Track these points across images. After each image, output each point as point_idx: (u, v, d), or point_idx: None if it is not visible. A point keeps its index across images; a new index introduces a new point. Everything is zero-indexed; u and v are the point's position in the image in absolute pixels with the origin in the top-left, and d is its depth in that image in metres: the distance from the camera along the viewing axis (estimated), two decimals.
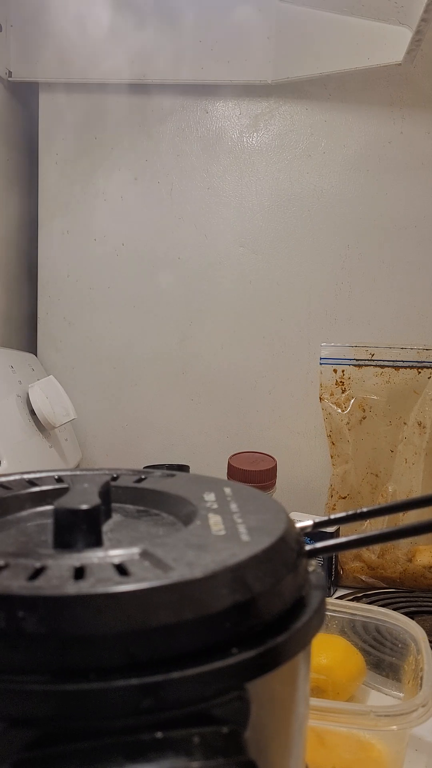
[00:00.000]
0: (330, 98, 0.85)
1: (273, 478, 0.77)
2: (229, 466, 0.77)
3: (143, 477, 0.31)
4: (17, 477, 0.31)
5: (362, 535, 0.28)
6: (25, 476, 0.31)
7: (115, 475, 0.31)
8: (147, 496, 0.29)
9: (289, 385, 0.89)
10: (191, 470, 0.84)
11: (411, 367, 0.81)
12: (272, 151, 0.87)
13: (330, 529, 0.69)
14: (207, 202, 0.88)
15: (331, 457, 0.83)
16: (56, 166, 0.90)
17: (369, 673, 0.55)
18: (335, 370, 0.82)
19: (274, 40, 0.82)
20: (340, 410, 0.82)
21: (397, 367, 0.81)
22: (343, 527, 0.72)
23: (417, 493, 0.79)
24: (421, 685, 0.44)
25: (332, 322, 0.88)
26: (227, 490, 0.29)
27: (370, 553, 0.76)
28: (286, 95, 0.86)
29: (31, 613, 0.19)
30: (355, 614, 0.55)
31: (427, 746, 0.49)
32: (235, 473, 0.76)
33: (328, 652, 0.52)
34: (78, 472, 0.31)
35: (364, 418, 0.81)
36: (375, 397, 0.81)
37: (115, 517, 0.28)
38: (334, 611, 0.56)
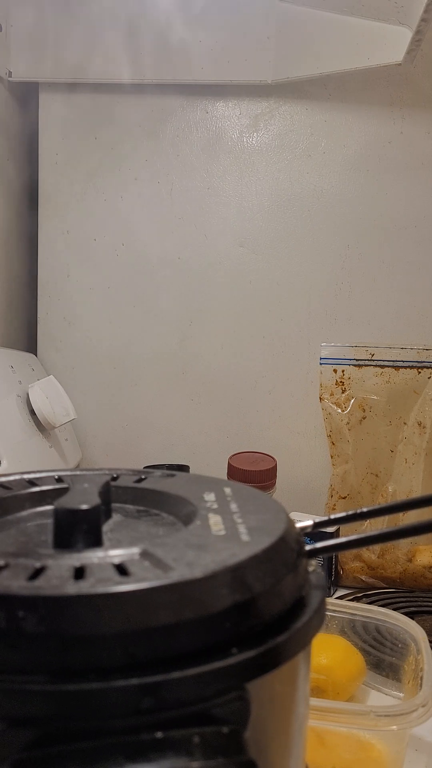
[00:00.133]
0: (330, 98, 0.85)
1: (273, 478, 0.77)
2: (229, 466, 0.77)
3: (143, 477, 0.31)
4: (17, 477, 0.31)
5: (362, 535, 0.28)
6: (25, 476, 0.31)
7: (115, 475, 0.31)
8: (147, 496, 0.29)
9: (289, 385, 0.89)
10: (191, 470, 0.84)
11: (411, 367, 0.81)
12: (272, 151, 0.87)
13: (330, 529, 0.69)
14: (207, 202, 0.88)
15: (331, 457, 0.83)
16: (56, 166, 0.90)
17: (369, 673, 0.55)
18: (335, 370, 0.82)
19: (274, 40, 0.82)
20: (340, 410, 0.82)
21: (397, 367, 0.81)
22: (343, 527, 0.72)
23: (417, 493, 0.79)
24: (421, 685, 0.44)
25: (332, 322, 0.88)
26: (227, 490, 0.29)
27: (370, 553, 0.76)
28: (286, 95, 0.86)
29: (31, 613, 0.19)
30: (355, 614, 0.55)
31: (427, 746, 0.49)
32: (235, 473, 0.76)
33: (328, 652, 0.52)
34: (78, 472, 0.31)
35: (364, 418, 0.81)
36: (375, 397, 0.81)
37: (115, 517, 0.28)
38: (334, 611, 0.55)
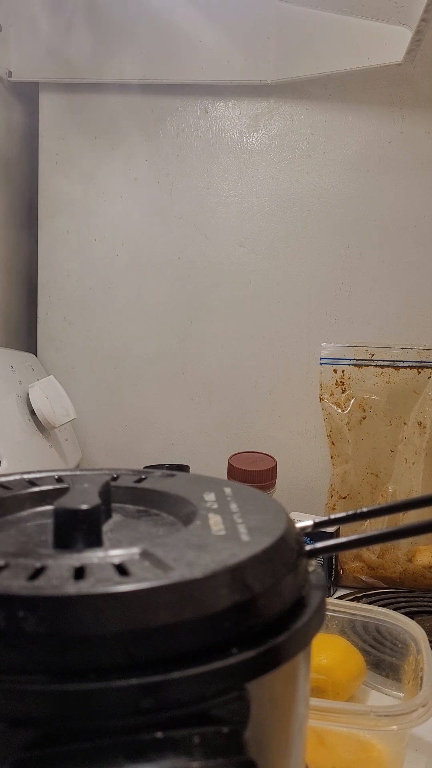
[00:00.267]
0: (330, 98, 0.85)
1: (273, 478, 0.77)
2: (229, 466, 0.77)
3: (143, 477, 0.31)
4: (17, 477, 0.31)
5: (362, 535, 0.28)
6: (25, 476, 0.31)
7: (115, 475, 0.31)
8: (147, 496, 0.29)
9: (289, 385, 0.89)
10: (191, 470, 0.84)
11: (411, 367, 0.81)
12: (272, 151, 0.87)
13: (330, 529, 0.69)
14: (207, 202, 0.88)
15: (331, 457, 0.83)
16: (56, 166, 0.90)
17: (369, 673, 0.55)
18: (335, 370, 0.82)
19: (274, 40, 0.82)
20: (340, 410, 0.82)
21: (397, 367, 0.81)
22: (343, 527, 0.72)
23: (417, 493, 0.79)
24: (421, 685, 0.44)
25: (332, 322, 0.88)
26: (227, 490, 0.29)
27: (370, 553, 0.76)
28: (286, 95, 0.86)
29: (31, 613, 0.19)
30: (355, 614, 0.55)
31: (427, 746, 0.49)
32: (235, 473, 0.76)
33: (328, 652, 0.52)
34: (78, 472, 0.31)
35: (364, 418, 0.81)
36: (375, 397, 0.81)
37: (115, 517, 0.28)
38: (334, 611, 0.55)
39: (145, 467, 0.61)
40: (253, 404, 0.90)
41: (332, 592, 0.75)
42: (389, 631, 0.53)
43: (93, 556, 0.22)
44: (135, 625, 0.19)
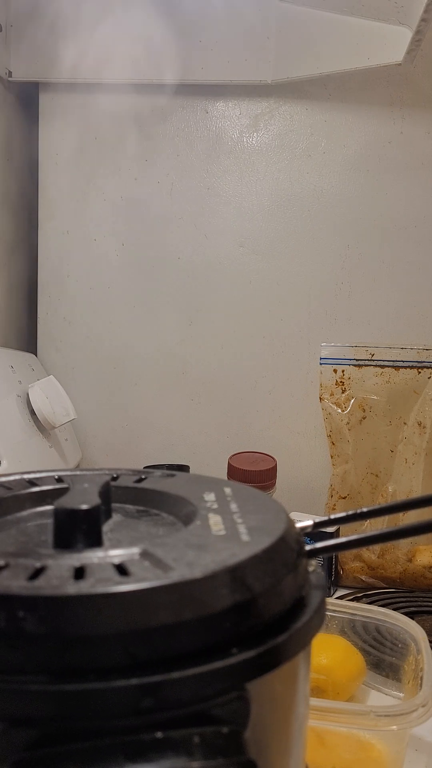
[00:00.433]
0: (330, 98, 0.85)
1: (273, 478, 0.77)
2: (229, 466, 0.77)
3: (143, 477, 0.31)
4: (17, 477, 0.31)
5: (362, 535, 0.28)
6: (25, 476, 0.31)
7: (115, 475, 0.31)
8: (147, 496, 0.29)
9: (289, 385, 0.89)
10: (191, 470, 0.84)
11: (411, 367, 0.81)
12: (272, 151, 0.87)
13: (330, 529, 0.69)
14: (207, 202, 0.88)
15: (331, 457, 0.83)
16: (56, 166, 0.90)
17: (369, 673, 0.55)
18: (335, 370, 0.82)
19: (274, 40, 0.82)
20: (340, 410, 0.82)
21: (397, 367, 0.81)
22: (343, 527, 0.72)
23: (417, 493, 0.79)
24: (421, 685, 0.44)
25: (332, 322, 0.88)
26: (227, 490, 0.29)
27: (370, 553, 0.76)
28: (286, 95, 0.86)
29: (31, 613, 0.19)
30: (355, 614, 0.55)
31: (427, 746, 0.49)
32: (235, 473, 0.76)
33: (328, 652, 0.52)
34: (78, 472, 0.31)
35: (364, 418, 0.81)
36: (375, 397, 0.81)
37: (115, 517, 0.28)
38: (334, 611, 0.55)
39: (145, 467, 0.61)
40: (253, 404, 0.90)
41: (332, 592, 0.75)
42: (389, 631, 0.53)
43: (93, 556, 0.22)
44: (135, 625, 0.19)
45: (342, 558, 0.77)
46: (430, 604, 0.70)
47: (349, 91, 0.85)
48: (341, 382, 0.82)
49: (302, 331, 0.88)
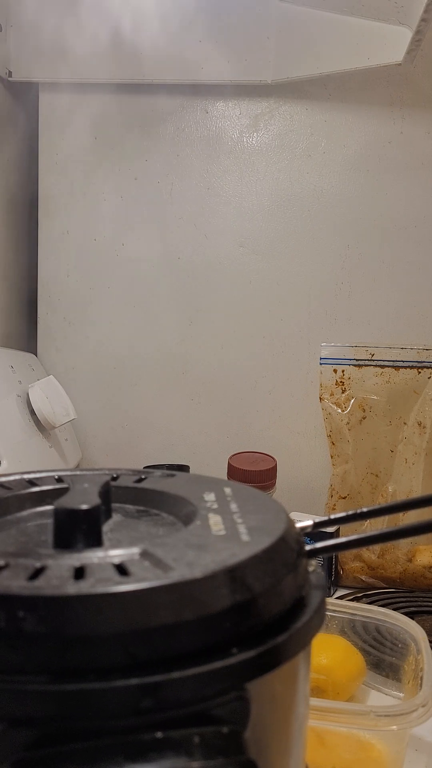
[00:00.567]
0: (330, 98, 0.85)
1: (273, 478, 0.77)
2: (229, 466, 0.77)
3: (143, 477, 0.31)
4: (17, 477, 0.31)
5: (362, 535, 0.28)
6: (25, 476, 0.31)
7: (115, 475, 0.31)
8: (147, 496, 0.29)
9: (289, 385, 0.89)
10: (191, 470, 0.84)
11: (411, 367, 0.81)
12: (272, 151, 0.87)
13: (330, 529, 0.69)
14: (207, 202, 0.88)
15: (331, 457, 0.83)
16: (56, 166, 0.90)
17: (369, 673, 0.55)
18: (335, 370, 0.82)
19: (274, 40, 0.82)
20: (340, 410, 0.82)
21: (397, 367, 0.81)
22: (343, 527, 0.72)
23: (417, 493, 0.79)
24: (421, 685, 0.44)
25: (332, 322, 0.88)
26: (227, 490, 0.29)
27: (370, 553, 0.76)
28: (286, 95, 0.86)
29: (31, 613, 0.19)
30: (355, 614, 0.55)
31: (427, 746, 0.49)
32: (235, 473, 0.76)
33: (328, 652, 0.52)
34: (78, 472, 0.31)
35: (364, 418, 0.81)
36: (375, 397, 0.81)
37: (115, 517, 0.28)
38: (334, 611, 0.55)
39: (145, 467, 0.61)
40: (253, 404, 0.90)
41: (332, 592, 0.75)
42: (389, 631, 0.53)
43: (93, 556, 0.22)
44: (135, 625, 0.19)
45: (342, 558, 0.77)
46: (430, 604, 0.70)
47: (349, 91, 0.85)
48: (341, 382, 0.82)
49: (302, 331, 0.88)
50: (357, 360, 0.82)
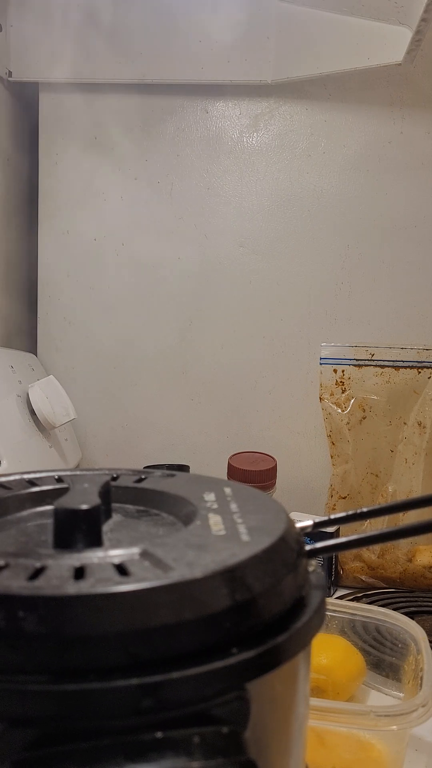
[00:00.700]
0: (330, 98, 0.85)
1: (273, 478, 0.77)
2: (229, 466, 0.77)
3: (143, 477, 0.31)
4: (17, 477, 0.31)
5: (362, 535, 0.28)
6: (25, 476, 0.31)
7: (115, 475, 0.31)
8: (147, 496, 0.29)
9: (289, 385, 0.89)
10: (191, 470, 0.84)
11: (411, 367, 0.81)
12: (272, 151, 0.87)
13: (330, 529, 0.69)
14: (207, 202, 0.88)
15: (331, 457, 0.83)
16: (56, 166, 0.90)
17: (369, 673, 0.55)
18: (335, 370, 0.82)
19: (274, 40, 0.82)
20: (340, 410, 0.82)
21: (397, 367, 0.81)
22: (343, 527, 0.72)
23: (417, 493, 0.79)
24: (421, 685, 0.44)
25: (332, 322, 0.88)
26: (227, 490, 0.29)
27: (370, 553, 0.76)
28: (286, 95, 0.86)
29: (31, 613, 0.19)
30: (355, 614, 0.55)
31: (427, 746, 0.49)
32: (235, 473, 0.76)
33: (328, 652, 0.52)
34: (78, 472, 0.31)
35: (364, 418, 0.81)
36: (375, 397, 0.81)
37: (115, 517, 0.28)
38: (334, 611, 0.55)
39: (145, 467, 0.61)
40: (253, 404, 0.90)
41: (332, 592, 0.75)
42: (389, 631, 0.53)
43: (93, 556, 0.22)
44: (135, 625, 0.19)
45: (342, 558, 0.77)
46: (430, 604, 0.70)
47: (349, 91, 0.85)
48: (341, 382, 0.82)
49: (302, 331, 0.88)
50: (357, 360, 0.82)
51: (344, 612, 0.55)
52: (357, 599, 0.71)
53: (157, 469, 0.33)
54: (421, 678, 0.45)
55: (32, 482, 0.30)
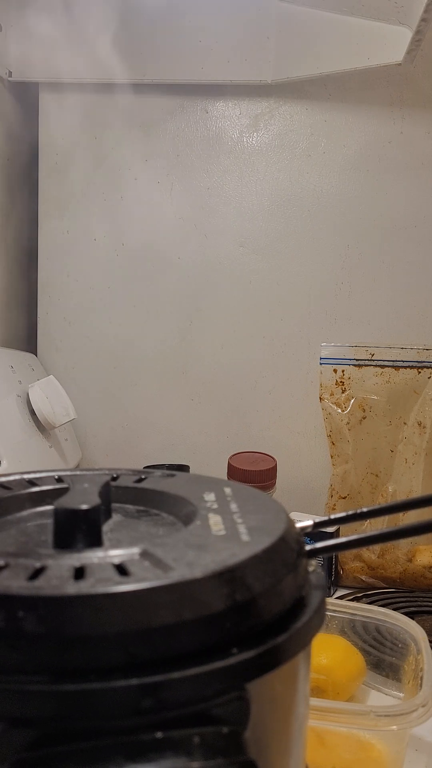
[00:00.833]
0: (330, 98, 0.85)
1: (273, 478, 0.77)
2: (229, 466, 0.77)
3: (143, 477, 0.31)
4: (17, 477, 0.31)
5: (362, 535, 0.28)
6: (25, 476, 0.31)
7: (115, 475, 0.31)
8: (147, 496, 0.29)
9: (289, 385, 0.89)
10: (191, 470, 0.84)
11: (411, 367, 0.81)
12: (272, 151, 0.87)
13: (330, 529, 0.69)
14: (207, 202, 0.88)
15: (331, 457, 0.83)
16: (56, 166, 0.90)
17: (369, 673, 0.55)
18: (335, 370, 0.82)
19: (274, 40, 0.82)
20: (340, 410, 0.82)
21: (397, 367, 0.81)
22: (343, 527, 0.72)
23: (417, 493, 0.79)
24: (421, 685, 0.44)
25: (332, 322, 0.88)
26: (227, 490, 0.29)
27: (370, 553, 0.76)
28: (286, 95, 0.86)
29: (31, 613, 0.19)
30: (355, 614, 0.55)
31: (427, 746, 0.49)
32: (235, 473, 0.76)
33: (328, 652, 0.52)
34: (78, 472, 0.31)
35: (364, 418, 0.81)
36: (375, 397, 0.81)
37: (115, 517, 0.28)
38: (334, 611, 0.55)
39: (145, 467, 0.61)
40: (253, 404, 0.90)
41: (332, 592, 0.75)
42: (389, 631, 0.53)
43: (93, 556, 0.22)
44: (135, 625, 0.19)
45: (342, 558, 0.77)
46: (430, 604, 0.70)
47: (349, 91, 0.85)
48: (341, 382, 0.82)
49: (302, 331, 0.88)
50: (357, 360, 0.82)
51: (344, 612, 0.55)
52: (357, 599, 0.71)
53: (157, 469, 0.33)
54: (421, 678, 0.45)
55: (32, 482, 0.30)
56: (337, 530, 0.71)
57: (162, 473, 0.32)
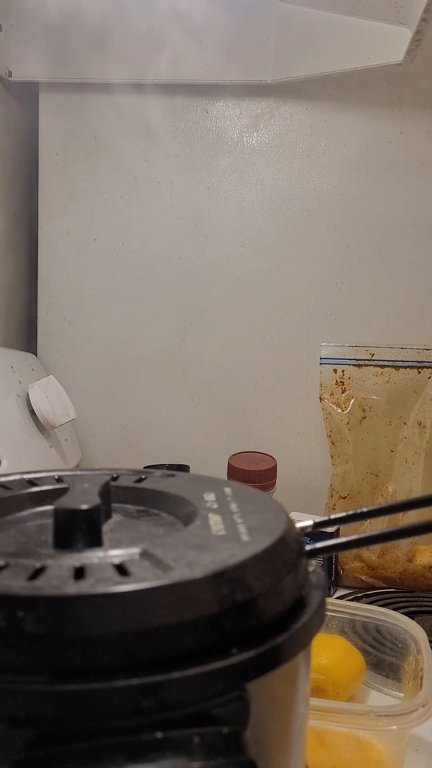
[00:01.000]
0: (330, 98, 0.85)
1: (273, 478, 0.77)
2: (229, 466, 0.77)
3: (143, 477, 0.31)
4: (17, 477, 0.31)
5: (362, 535, 0.28)
6: (25, 476, 0.31)
7: (115, 475, 0.31)
8: (147, 496, 0.29)
9: (289, 385, 0.89)
10: (191, 470, 0.84)
11: (411, 367, 0.81)
12: (272, 151, 0.87)
13: (330, 529, 0.69)
14: (207, 202, 0.88)
15: (331, 457, 0.83)
16: (56, 166, 0.90)
17: (369, 673, 0.55)
18: (335, 370, 0.82)
19: (274, 40, 0.82)
20: (340, 410, 0.82)
21: (397, 367, 0.81)
22: (343, 527, 0.72)
23: (417, 493, 0.79)
24: (421, 685, 0.44)
25: (332, 322, 0.88)
26: (227, 490, 0.29)
27: (370, 553, 0.76)
28: (286, 95, 0.86)
29: (31, 613, 0.19)
30: (355, 614, 0.55)
31: (427, 746, 0.49)
32: (235, 473, 0.76)
33: (328, 652, 0.52)
34: (78, 472, 0.31)
35: (364, 418, 0.81)
36: (375, 397, 0.81)
37: (115, 517, 0.28)
38: (334, 611, 0.55)
39: (145, 467, 0.61)
40: (253, 404, 0.90)
41: (332, 592, 0.75)
42: (389, 631, 0.53)
43: (93, 556, 0.22)
44: (135, 625, 0.19)
45: (342, 558, 0.77)
46: (430, 604, 0.70)
47: (349, 91, 0.85)
48: (341, 382, 0.82)
49: (302, 331, 0.88)
50: (357, 360, 0.82)
51: (344, 612, 0.55)
52: (357, 599, 0.71)
53: (157, 469, 0.33)
54: (421, 678, 0.45)
55: (32, 482, 0.30)
56: (337, 530, 0.71)
57: (162, 473, 0.32)
